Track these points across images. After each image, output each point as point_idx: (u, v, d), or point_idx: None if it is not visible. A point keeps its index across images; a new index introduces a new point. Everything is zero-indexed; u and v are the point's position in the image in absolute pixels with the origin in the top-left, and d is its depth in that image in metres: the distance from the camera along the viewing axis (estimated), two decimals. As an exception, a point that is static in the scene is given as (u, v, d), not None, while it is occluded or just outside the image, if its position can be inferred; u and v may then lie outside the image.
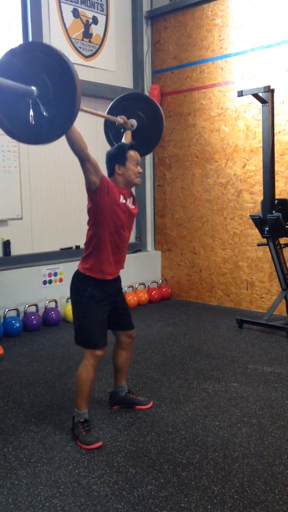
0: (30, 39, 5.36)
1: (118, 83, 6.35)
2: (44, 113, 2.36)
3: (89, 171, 2.75)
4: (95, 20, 6.06)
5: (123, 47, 6.50)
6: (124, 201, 2.91)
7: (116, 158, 2.95)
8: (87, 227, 2.97)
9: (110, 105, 3.67)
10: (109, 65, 6.29)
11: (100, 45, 6.16)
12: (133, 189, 3.15)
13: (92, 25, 6.04)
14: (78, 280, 2.97)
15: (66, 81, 2.34)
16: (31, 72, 2.38)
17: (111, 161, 2.98)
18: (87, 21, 5.97)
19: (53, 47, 2.39)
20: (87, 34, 5.97)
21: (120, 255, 3.00)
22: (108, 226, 2.87)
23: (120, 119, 3.39)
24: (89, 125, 6.46)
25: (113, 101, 3.68)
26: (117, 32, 6.38)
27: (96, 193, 2.81)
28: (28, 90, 2.36)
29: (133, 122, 3.51)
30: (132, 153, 2.96)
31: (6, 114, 2.50)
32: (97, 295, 2.91)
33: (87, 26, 5.97)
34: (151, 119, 3.55)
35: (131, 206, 2.98)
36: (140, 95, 4.04)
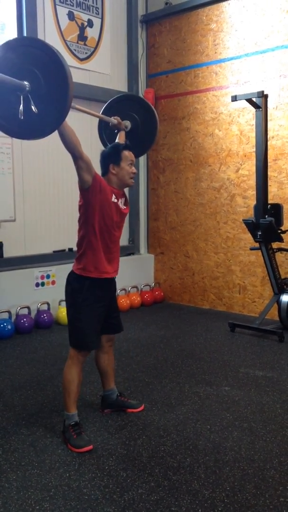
0: (25, 41, 5.36)
1: (112, 86, 6.36)
2: (35, 108, 2.37)
3: (81, 168, 2.74)
4: (90, 23, 6.07)
5: (118, 51, 6.51)
6: (116, 200, 2.91)
7: (110, 157, 2.95)
8: (78, 226, 2.97)
9: (105, 106, 3.67)
10: (104, 68, 6.30)
11: (95, 48, 6.17)
12: (126, 191, 3.15)
13: (87, 28, 6.05)
14: (73, 280, 2.96)
15: (58, 76, 2.35)
16: (24, 66, 2.39)
17: (105, 160, 2.97)
18: (82, 24, 5.98)
19: (46, 44, 2.40)
20: (82, 37, 5.98)
21: (112, 254, 2.98)
22: (99, 225, 2.86)
23: (114, 119, 3.39)
24: (84, 124, 6.48)
25: (108, 102, 3.68)
26: (112, 36, 6.39)
27: (88, 191, 2.81)
28: (20, 84, 2.37)
29: (127, 123, 3.51)
30: (127, 153, 2.96)
31: (1, 114, 2.50)
32: (92, 297, 2.91)
33: (82, 29, 5.98)
34: (145, 121, 3.55)
35: (122, 206, 2.98)
36: (134, 96, 4.05)
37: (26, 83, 2.38)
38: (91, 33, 6.10)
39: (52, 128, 2.46)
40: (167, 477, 2.55)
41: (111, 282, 3.07)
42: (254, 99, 4.92)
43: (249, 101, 4.94)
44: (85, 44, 6.03)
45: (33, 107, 2.37)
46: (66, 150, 2.68)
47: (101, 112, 3.62)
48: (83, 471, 2.61)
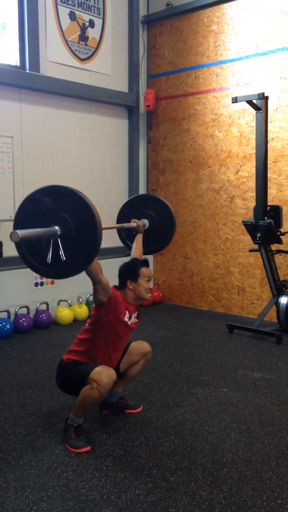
0: (26, 41, 5.37)
1: (113, 87, 6.37)
2: (63, 256, 2.47)
3: (98, 292, 2.80)
4: (91, 24, 6.08)
5: (119, 51, 6.51)
6: (127, 319, 2.97)
7: (128, 274, 3.02)
8: (86, 325, 3.04)
9: (123, 205, 3.87)
10: (104, 69, 6.30)
11: (96, 49, 6.17)
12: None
13: (89, 28, 6.05)
14: (63, 367, 2.97)
15: (89, 227, 2.45)
16: (58, 212, 2.49)
17: (123, 276, 3.04)
18: (84, 24, 5.98)
19: (82, 196, 2.47)
20: (83, 37, 5.98)
21: (111, 361, 3.00)
22: (105, 338, 2.92)
23: (133, 223, 3.58)
24: (84, 124, 6.49)
25: (126, 201, 3.92)
26: (113, 36, 6.39)
27: (102, 308, 2.88)
28: (52, 231, 2.49)
29: (145, 222, 3.71)
30: (145, 270, 3.04)
31: (31, 252, 2.59)
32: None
33: (83, 29, 5.98)
34: (162, 219, 3.74)
35: (133, 321, 3.04)
36: (152, 196, 4.26)
37: (57, 228, 2.48)
38: (92, 33, 6.10)
39: (78, 271, 2.55)
40: (164, 478, 2.55)
41: None
42: (254, 101, 4.92)
43: (250, 102, 4.95)
44: (86, 44, 6.03)
45: (61, 254, 2.47)
46: (85, 273, 2.69)
47: (118, 212, 3.83)
48: (81, 471, 2.61)
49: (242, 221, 5.25)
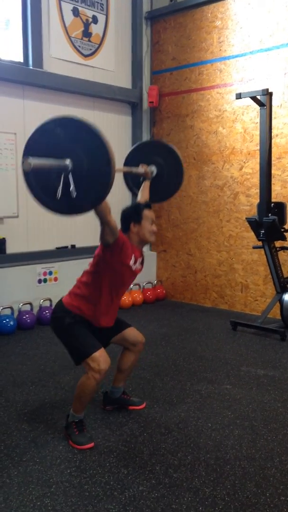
0: (30, 37, 5.36)
1: (116, 83, 6.36)
2: (74, 192, 2.37)
3: (106, 232, 2.75)
4: (95, 20, 6.06)
5: (123, 47, 6.50)
6: (133, 263, 2.93)
7: (132, 216, 2.99)
8: (88, 267, 3.00)
9: (131, 149, 3.77)
10: (108, 65, 6.28)
11: (100, 45, 6.15)
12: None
13: (92, 24, 6.03)
14: (61, 311, 2.94)
15: (102, 162, 2.35)
16: (70, 145, 2.39)
17: (126, 219, 3.00)
18: (87, 20, 5.96)
19: (95, 130, 2.36)
20: (86, 33, 5.97)
21: (113, 306, 3.00)
22: (109, 281, 2.89)
23: (141, 168, 3.49)
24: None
25: (134, 145, 3.81)
26: (117, 32, 6.37)
27: (108, 249, 2.83)
28: (64, 165, 2.38)
29: (153, 168, 3.59)
30: (148, 212, 3.00)
31: (41, 187, 2.49)
32: (80, 322, 2.89)
33: (86, 25, 5.96)
34: (171, 167, 3.61)
35: (138, 266, 3.01)
36: (161, 142, 4.15)
37: (68, 162, 2.37)
38: (96, 29, 6.08)
39: (87, 209, 2.47)
40: (168, 475, 2.55)
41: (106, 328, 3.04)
42: (258, 97, 4.90)
43: (254, 99, 4.92)
44: (89, 41, 6.01)
45: (72, 190, 2.36)
46: (94, 214, 2.64)
47: (126, 155, 3.71)
48: (84, 467, 2.62)
49: (246, 218, 5.23)
